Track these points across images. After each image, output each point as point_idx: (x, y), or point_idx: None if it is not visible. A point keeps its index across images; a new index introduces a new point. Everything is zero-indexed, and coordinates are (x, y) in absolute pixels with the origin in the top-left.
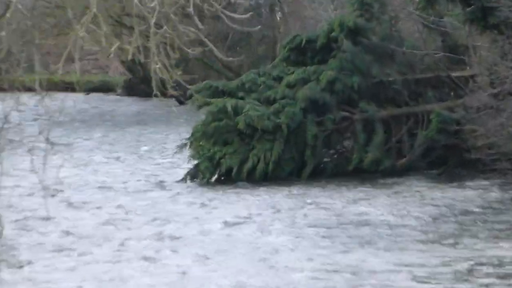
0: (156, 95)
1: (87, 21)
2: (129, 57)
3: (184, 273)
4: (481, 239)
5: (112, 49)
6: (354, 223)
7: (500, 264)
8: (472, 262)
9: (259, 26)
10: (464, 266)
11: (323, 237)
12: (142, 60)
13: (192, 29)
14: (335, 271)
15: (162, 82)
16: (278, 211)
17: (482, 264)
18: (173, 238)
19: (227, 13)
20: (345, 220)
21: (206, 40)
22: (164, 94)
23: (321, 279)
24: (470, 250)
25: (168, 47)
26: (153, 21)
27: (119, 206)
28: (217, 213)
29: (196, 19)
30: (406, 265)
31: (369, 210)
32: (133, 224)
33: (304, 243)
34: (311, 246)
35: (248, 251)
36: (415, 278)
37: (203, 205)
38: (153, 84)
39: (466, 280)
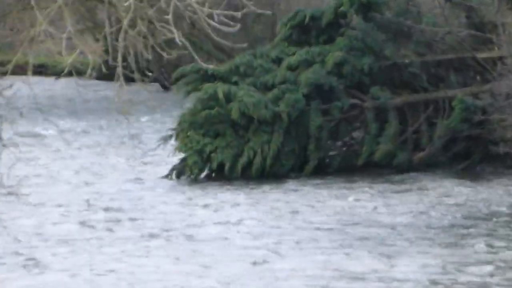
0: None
1: (50, 13)
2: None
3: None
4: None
5: (73, 56)
6: (363, 224)
7: None
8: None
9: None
10: (484, 271)
11: (328, 240)
12: (111, 62)
13: (170, 28)
14: (339, 278)
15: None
16: (277, 212)
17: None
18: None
19: (212, 23)
20: (352, 221)
21: (183, 41)
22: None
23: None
24: (491, 254)
25: (141, 47)
26: (127, 20)
27: (86, 203)
28: (206, 215)
29: (172, 28)
30: (423, 272)
31: (381, 210)
32: (100, 225)
33: (305, 247)
34: (312, 250)
35: (241, 256)
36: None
37: (190, 205)
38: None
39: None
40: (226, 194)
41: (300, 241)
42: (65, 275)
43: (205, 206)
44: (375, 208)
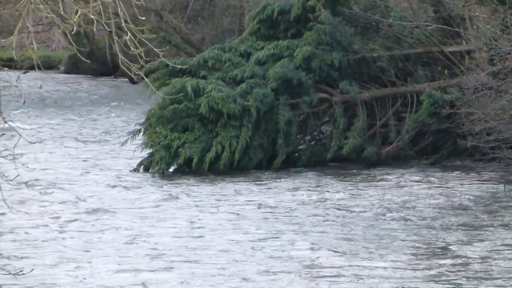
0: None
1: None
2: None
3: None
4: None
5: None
6: (330, 220)
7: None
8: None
9: None
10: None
11: (296, 234)
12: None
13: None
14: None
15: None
16: (242, 207)
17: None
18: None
19: None
20: (319, 216)
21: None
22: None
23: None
24: (463, 258)
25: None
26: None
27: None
28: (168, 211)
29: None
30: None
31: (347, 204)
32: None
33: (273, 244)
34: (281, 247)
35: (207, 256)
36: None
37: (153, 200)
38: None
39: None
40: (190, 188)
41: (264, 238)
42: None
43: (166, 201)
44: (343, 202)
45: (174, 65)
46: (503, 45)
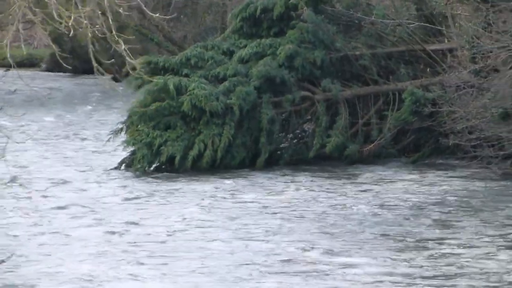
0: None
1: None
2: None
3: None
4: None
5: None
6: (310, 218)
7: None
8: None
9: None
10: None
11: (271, 234)
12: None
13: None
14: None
15: (96, 57)
16: (221, 205)
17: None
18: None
19: None
20: (299, 215)
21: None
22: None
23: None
24: (441, 257)
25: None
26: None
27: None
28: (148, 210)
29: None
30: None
31: (328, 202)
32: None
33: (252, 240)
34: (260, 243)
35: (187, 256)
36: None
37: (133, 198)
38: (91, 56)
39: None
40: (171, 187)
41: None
42: None
43: (145, 199)
44: (322, 200)
45: (158, 61)
46: (485, 43)
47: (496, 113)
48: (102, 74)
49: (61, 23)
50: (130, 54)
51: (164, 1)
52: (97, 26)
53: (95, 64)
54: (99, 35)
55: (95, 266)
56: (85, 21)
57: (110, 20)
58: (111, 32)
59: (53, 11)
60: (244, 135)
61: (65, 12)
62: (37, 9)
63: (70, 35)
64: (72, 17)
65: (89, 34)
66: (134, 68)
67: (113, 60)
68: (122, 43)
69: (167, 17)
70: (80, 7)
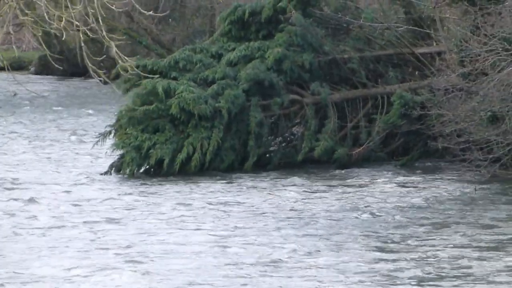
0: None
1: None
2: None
3: None
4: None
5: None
6: (295, 222)
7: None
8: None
9: None
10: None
11: (258, 235)
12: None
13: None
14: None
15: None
16: (208, 209)
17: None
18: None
19: None
20: (285, 217)
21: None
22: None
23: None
24: (427, 259)
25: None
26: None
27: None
28: (135, 212)
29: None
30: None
31: (316, 207)
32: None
33: (234, 241)
34: (243, 245)
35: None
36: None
37: (123, 200)
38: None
39: None
40: (159, 191)
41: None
42: None
43: (132, 204)
44: (310, 204)
45: (146, 63)
46: (474, 47)
47: (485, 116)
48: (98, 76)
49: (51, 24)
50: (122, 56)
51: (152, 5)
52: (88, 27)
53: (90, 66)
54: (91, 35)
55: (75, 266)
56: (76, 22)
57: (100, 21)
58: (102, 32)
59: (44, 12)
60: (232, 138)
61: (55, 13)
62: (27, 11)
63: (63, 38)
64: (64, 19)
65: (81, 36)
66: (126, 70)
67: (103, 58)
68: (113, 45)
69: (159, 14)
70: (70, 8)
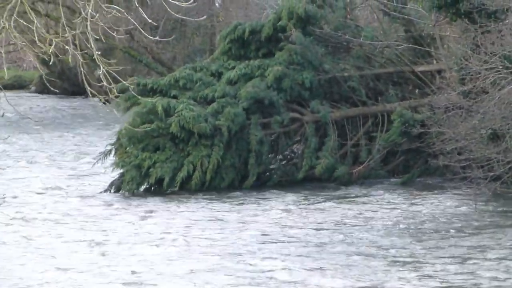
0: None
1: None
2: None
3: None
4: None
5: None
6: (294, 238)
7: None
8: None
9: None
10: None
11: (252, 256)
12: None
13: (117, 8)
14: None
15: (86, 78)
16: (204, 229)
17: None
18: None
19: None
20: (284, 234)
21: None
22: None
23: None
24: (428, 277)
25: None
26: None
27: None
28: (136, 229)
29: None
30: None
31: (315, 223)
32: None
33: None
34: (239, 261)
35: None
36: None
37: (123, 219)
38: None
39: None
40: (158, 209)
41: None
42: None
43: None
44: (309, 223)
45: (146, 82)
46: (474, 65)
47: (485, 134)
48: (95, 96)
49: (42, 48)
50: (109, 78)
51: (151, 24)
52: (84, 51)
53: (87, 88)
54: (83, 60)
55: (60, 276)
56: (68, 47)
57: (92, 43)
58: (93, 56)
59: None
60: (233, 157)
61: (47, 36)
62: (18, 35)
63: (51, 62)
64: (54, 43)
65: (80, 59)
66: (122, 91)
67: (102, 77)
68: (102, 67)
69: (163, 39)
70: (61, 33)
